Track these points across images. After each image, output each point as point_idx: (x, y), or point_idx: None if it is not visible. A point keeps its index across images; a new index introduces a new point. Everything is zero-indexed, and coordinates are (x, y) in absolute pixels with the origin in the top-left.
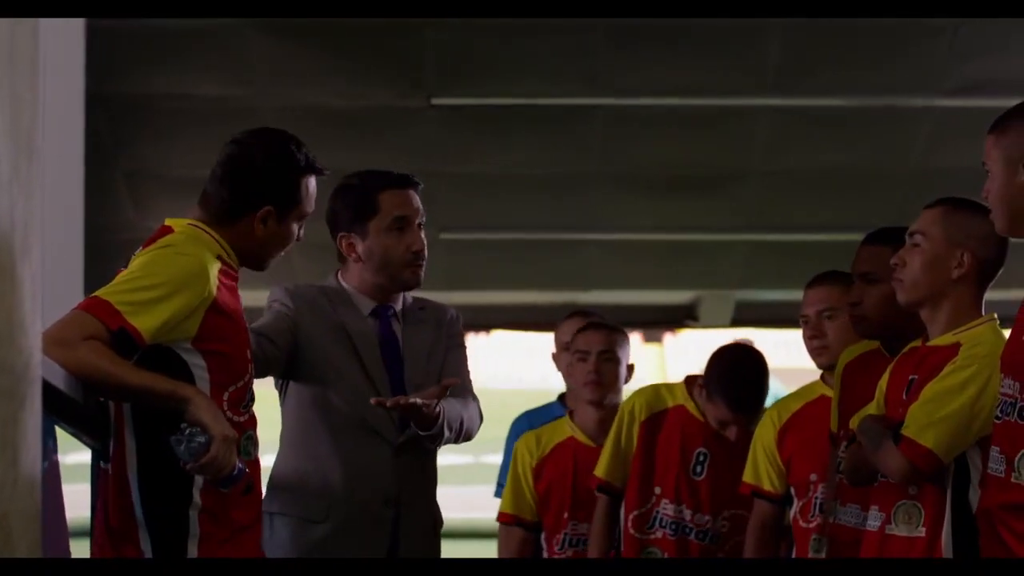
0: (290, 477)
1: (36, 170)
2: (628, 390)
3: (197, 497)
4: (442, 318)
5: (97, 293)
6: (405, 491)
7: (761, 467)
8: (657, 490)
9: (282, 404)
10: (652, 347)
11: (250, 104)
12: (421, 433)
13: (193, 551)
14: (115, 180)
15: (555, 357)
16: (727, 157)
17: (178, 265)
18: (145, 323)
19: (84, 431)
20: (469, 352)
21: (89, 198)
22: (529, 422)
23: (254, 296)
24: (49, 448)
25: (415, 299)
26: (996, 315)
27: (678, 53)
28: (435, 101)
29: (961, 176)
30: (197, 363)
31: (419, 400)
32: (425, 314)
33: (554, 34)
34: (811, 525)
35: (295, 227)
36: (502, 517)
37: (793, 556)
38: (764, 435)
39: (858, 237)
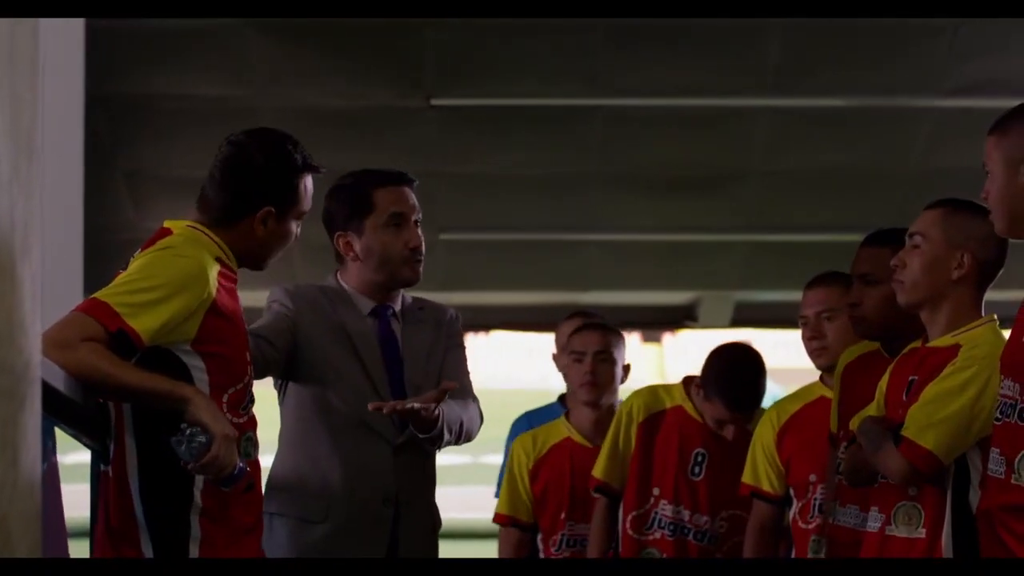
0: (289, 477)
1: (36, 170)
2: (625, 391)
3: (198, 498)
4: (441, 318)
5: (96, 295)
6: (404, 491)
7: (760, 468)
8: (655, 491)
9: (281, 404)
10: (651, 347)
11: (250, 104)
12: (420, 436)
13: (194, 553)
14: (115, 180)
15: (555, 358)
16: (727, 157)
17: (177, 267)
18: (144, 325)
19: (84, 432)
20: (469, 352)
21: (89, 198)
22: (529, 422)
23: (254, 296)
24: (49, 449)
25: (414, 299)
26: (996, 316)
27: (678, 53)
28: (435, 101)
29: (961, 176)
30: (196, 365)
31: (417, 404)
32: (424, 314)
33: (554, 34)
34: (810, 526)
35: (294, 226)
36: (498, 518)
37: (792, 557)
38: (763, 436)
39: (858, 237)
